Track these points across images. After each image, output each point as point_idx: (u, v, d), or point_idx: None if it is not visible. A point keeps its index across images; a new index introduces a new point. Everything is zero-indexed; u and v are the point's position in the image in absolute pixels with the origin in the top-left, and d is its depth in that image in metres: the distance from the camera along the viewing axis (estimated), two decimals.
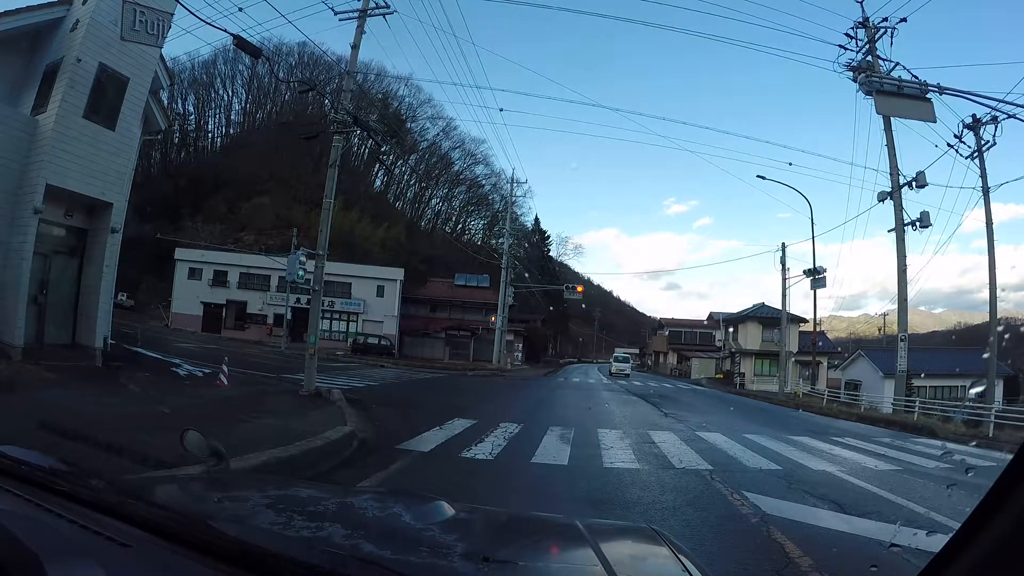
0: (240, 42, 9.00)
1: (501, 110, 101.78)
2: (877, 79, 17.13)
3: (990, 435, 13.43)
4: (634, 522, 3.32)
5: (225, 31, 9.15)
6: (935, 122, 16.74)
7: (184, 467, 2.17)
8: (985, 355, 19.12)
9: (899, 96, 16.81)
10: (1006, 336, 19.23)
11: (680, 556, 1.20)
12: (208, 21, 8.72)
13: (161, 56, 11.99)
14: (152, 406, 7.26)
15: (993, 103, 15.81)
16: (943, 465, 7.92)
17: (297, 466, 4.99)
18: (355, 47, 12.81)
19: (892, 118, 18.47)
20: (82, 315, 11.14)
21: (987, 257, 17.60)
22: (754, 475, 6.23)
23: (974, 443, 11.21)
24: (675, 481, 5.69)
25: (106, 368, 10.58)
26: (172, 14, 9.08)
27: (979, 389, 16.93)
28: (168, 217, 40.71)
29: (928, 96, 16.50)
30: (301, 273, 12.20)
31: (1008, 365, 27.77)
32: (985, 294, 17.57)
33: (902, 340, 18.58)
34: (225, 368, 11.00)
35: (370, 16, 13.01)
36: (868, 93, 17.48)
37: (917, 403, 17.78)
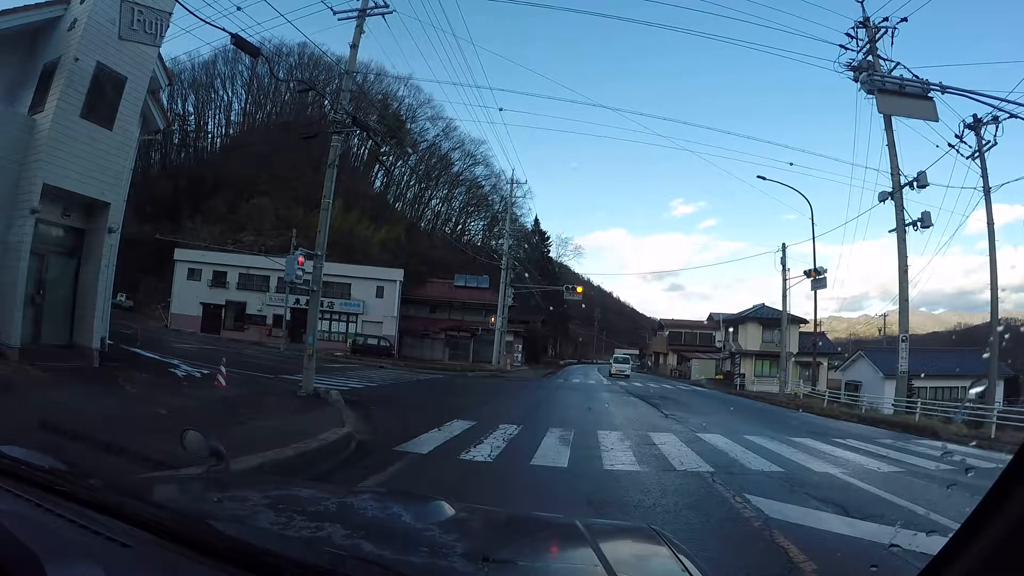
0: (239, 41, 8.99)
1: (501, 110, 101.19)
2: (879, 78, 17.10)
3: (991, 436, 13.44)
4: (634, 522, 3.31)
5: (224, 31, 9.09)
6: (937, 121, 16.64)
7: (184, 467, 2.16)
8: (985, 355, 19.10)
9: (901, 95, 16.73)
10: (1006, 336, 19.25)
11: (680, 556, 1.20)
12: (207, 20, 8.71)
13: (160, 55, 11.97)
14: (150, 407, 7.23)
15: (995, 102, 15.80)
16: (944, 466, 7.93)
17: (293, 468, 4.96)
18: (354, 47, 12.82)
19: (893, 118, 18.46)
20: (79, 315, 11.11)
21: (988, 258, 17.61)
22: (756, 477, 6.22)
23: (975, 444, 11.21)
24: (676, 483, 5.68)
25: (103, 369, 10.56)
26: (171, 13, 9.04)
27: (980, 390, 16.90)
28: (168, 217, 40.73)
29: (930, 95, 16.48)
30: (300, 274, 12.18)
31: (1008, 365, 27.76)
32: (986, 295, 17.58)
33: (903, 341, 18.55)
34: (223, 369, 10.98)
35: (369, 16, 13.02)
36: (869, 92, 17.41)
37: (918, 404, 17.75)
